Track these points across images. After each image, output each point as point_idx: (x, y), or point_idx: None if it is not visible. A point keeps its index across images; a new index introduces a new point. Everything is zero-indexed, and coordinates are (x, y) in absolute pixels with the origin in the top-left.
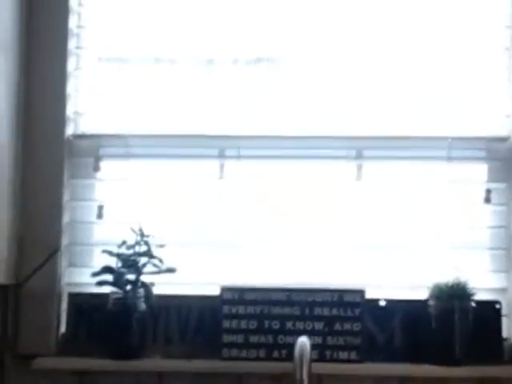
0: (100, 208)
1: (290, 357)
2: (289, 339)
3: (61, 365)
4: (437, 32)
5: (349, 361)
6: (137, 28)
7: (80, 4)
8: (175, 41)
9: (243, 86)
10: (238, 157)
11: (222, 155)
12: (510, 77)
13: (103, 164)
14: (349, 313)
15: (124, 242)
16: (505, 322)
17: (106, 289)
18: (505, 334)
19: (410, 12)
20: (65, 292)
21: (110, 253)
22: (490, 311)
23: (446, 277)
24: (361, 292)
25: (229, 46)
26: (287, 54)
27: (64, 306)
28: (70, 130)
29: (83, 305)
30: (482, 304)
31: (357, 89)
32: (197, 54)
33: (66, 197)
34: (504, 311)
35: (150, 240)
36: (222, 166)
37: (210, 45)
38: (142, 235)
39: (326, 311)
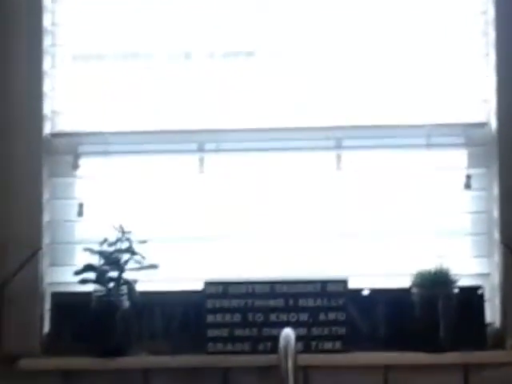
0: (80, 206)
1: (275, 349)
2: (273, 331)
3: (45, 365)
4: (413, 19)
5: (334, 351)
6: (112, 24)
7: (54, 1)
8: (151, 35)
9: (221, 79)
10: (218, 150)
11: (201, 149)
12: (487, 62)
13: (82, 162)
14: (332, 303)
15: (105, 240)
16: (488, 307)
17: (89, 287)
18: (488, 319)
19: (387, 0)
20: (47, 291)
21: (92, 250)
22: (473, 297)
23: (429, 264)
24: (344, 282)
25: (206, 40)
26: (265, 46)
27: (47, 305)
28: (47, 129)
29: (66, 304)
30: (465, 290)
31: (334, 79)
32: (174, 48)
33: (45, 195)
34: (487, 296)
35: (131, 236)
36: (201, 160)
37: (187, 38)
38: (123, 232)
39: (309, 302)
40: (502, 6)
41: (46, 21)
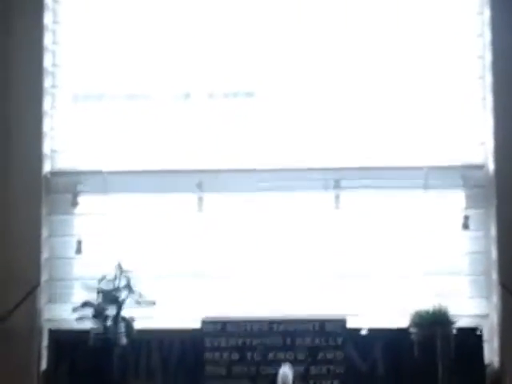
0: (79, 243)
1: None
2: (271, 370)
3: None
4: (411, 64)
5: None
6: (112, 65)
7: (55, 42)
8: (151, 76)
9: (220, 119)
10: (217, 190)
11: (200, 188)
12: (484, 105)
13: (81, 199)
14: (331, 342)
15: (104, 277)
16: (486, 347)
17: (87, 324)
18: (487, 359)
19: (383, 43)
20: (45, 328)
21: (90, 288)
22: (471, 337)
23: (427, 304)
24: (342, 321)
25: (205, 80)
26: (264, 88)
27: (45, 342)
28: (47, 168)
29: (64, 341)
30: (464, 330)
31: (334, 120)
32: (173, 89)
33: (44, 233)
34: (485, 337)
35: (129, 274)
36: (200, 199)
37: (187, 79)
38: (122, 269)
39: (307, 341)
40: (498, 51)
41: (47, 62)
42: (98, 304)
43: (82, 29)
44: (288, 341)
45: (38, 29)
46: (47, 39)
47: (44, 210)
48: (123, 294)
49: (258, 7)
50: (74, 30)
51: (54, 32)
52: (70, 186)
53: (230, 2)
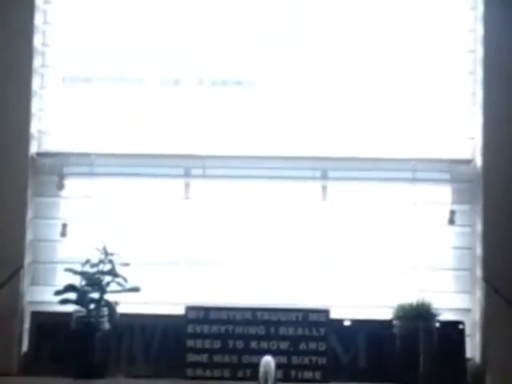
0: (64, 226)
1: (254, 377)
2: (253, 359)
3: None
4: (401, 55)
5: (314, 380)
6: (102, 47)
7: (45, 22)
8: (141, 60)
9: (208, 106)
10: (204, 176)
11: (187, 174)
12: (474, 100)
13: (67, 182)
14: (314, 332)
15: (88, 261)
16: (468, 342)
17: (70, 307)
18: (468, 354)
19: (375, 35)
20: (27, 310)
21: (74, 271)
22: (453, 332)
23: (411, 297)
24: (325, 312)
25: (195, 67)
26: (253, 75)
27: (26, 324)
28: (34, 148)
29: (46, 323)
30: (446, 324)
31: (322, 110)
32: (162, 74)
33: (29, 214)
34: (468, 332)
35: (114, 258)
36: (187, 185)
37: (176, 65)
38: (106, 253)
39: (290, 331)
40: (490, 45)
41: (37, 41)
42: (81, 287)
43: (74, 10)
44: (271, 330)
45: (28, 8)
46: (38, 19)
47: (29, 192)
48: (107, 279)
49: None
50: (66, 10)
51: (44, 12)
52: (57, 167)
53: None
